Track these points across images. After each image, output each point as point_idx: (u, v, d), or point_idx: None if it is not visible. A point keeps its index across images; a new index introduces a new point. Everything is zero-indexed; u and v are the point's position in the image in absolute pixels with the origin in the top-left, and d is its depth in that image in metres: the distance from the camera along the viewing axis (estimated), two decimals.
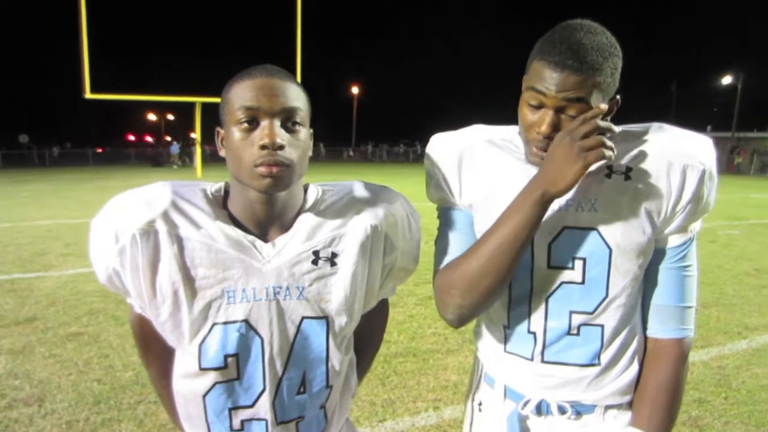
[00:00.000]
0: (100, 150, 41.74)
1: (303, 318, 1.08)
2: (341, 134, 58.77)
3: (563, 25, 1.08)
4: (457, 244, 1.23)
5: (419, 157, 45.67)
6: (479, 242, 1.13)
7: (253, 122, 0.99)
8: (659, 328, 1.18)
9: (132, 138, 69.11)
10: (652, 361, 1.19)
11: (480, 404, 1.33)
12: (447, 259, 1.23)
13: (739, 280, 6.32)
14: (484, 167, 1.20)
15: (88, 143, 44.70)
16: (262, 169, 0.97)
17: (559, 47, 1.03)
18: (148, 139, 65.03)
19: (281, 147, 0.98)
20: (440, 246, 1.27)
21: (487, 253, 1.10)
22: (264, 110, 0.99)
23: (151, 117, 68.97)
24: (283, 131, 1.00)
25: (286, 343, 1.07)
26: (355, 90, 58.96)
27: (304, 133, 1.05)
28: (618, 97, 1.13)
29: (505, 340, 1.24)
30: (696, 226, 1.16)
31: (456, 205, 1.27)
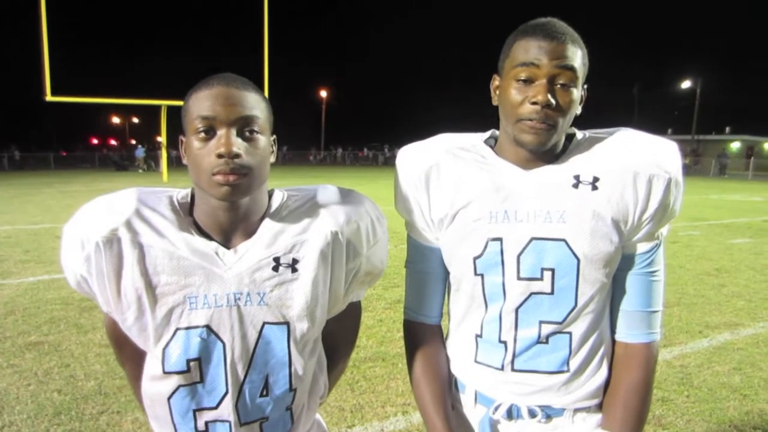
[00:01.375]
0: (62, 154, 40.73)
1: (264, 323, 1.09)
2: (310, 138, 58.57)
3: (535, 19, 1.14)
4: (422, 288, 1.33)
5: (387, 160, 45.90)
6: (417, 390, 1.29)
7: (210, 131, 1.01)
8: (629, 332, 1.20)
9: (95, 141, 67.59)
10: (623, 365, 1.21)
11: (452, 408, 1.33)
12: (413, 302, 1.34)
13: (700, 279, 6.49)
14: (451, 184, 1.21)
15: (49, 147, 43.64)
16: (219, 178, 1.00)
17: (541, 26, 1.11)
18: (113, 142, 63.70)
19: (237, 155, 1.00)
20: (408, 285, 1.36)
21: (418, 405, 1.29)
22: (220, 119, 1.00)
23: (116, 120, 67.62)
24: (239, 140, 1.01)
25: (248, 348, 1.09)
26: (323, 93, 58.78)
27: (263, 140, 1.06)
28: (585, 86, 1.17)
29: (476, 350, 1.25)
30: (663, 231, 1.18)
31: (422, 233, 1.29)
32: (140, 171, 31.91)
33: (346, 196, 1.18)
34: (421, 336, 1.33)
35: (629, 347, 1.20)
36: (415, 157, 1.27)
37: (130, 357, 1.19)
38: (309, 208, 1.14)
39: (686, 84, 44.08)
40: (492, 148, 1.25)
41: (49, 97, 18.17)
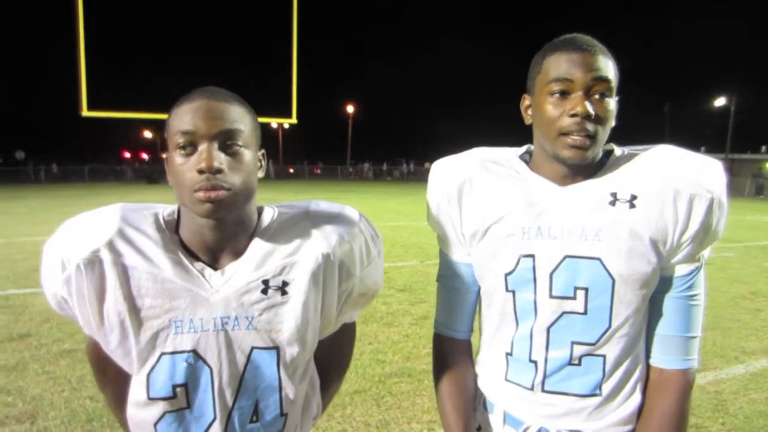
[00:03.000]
0: (96, 166, 41.76)
1: (253, 348, 1.05)
2: (337, 154, 59.05)
3: (561, 36, 1.14)
4: (452, 303, 1.33)
5: (405, 176, 45.97)
6: (441, 406, 1.30)
7: (191, 146, 0.98)
8: (664, 358, 1.17)
9: (128, 155, 69.13)
10: (657, 392, 1.17)
11: (479, 429, 1.32)
12: (443, 316, 1.35)
13: (735, 303, 6.32)
14: (484, 198, 1.20)
15: (84, 160, 44.78)
16: (201, 194, 0.96)
17: (571, 41, 1.10)
18: (144, 156, 65.10)
19: (219, 171, 0.96)
20: (439, 299, 1.37)
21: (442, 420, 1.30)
22: (201, 134, 0.97)
23: (147, 134, 69.10)
24: (221, 154, 0.98)
25: (236, 373, 1.05)
26: (350, 109, 59.23)
27: (248, 155, 1.02)
28: (618, 98, 1.16)
29: (507, 368, 1.23)
30: (705, 253, 1.14)
31: (453, 247, 1.29)
32: (170, 184, 32.38)
33: (339, 214, 1.14)
34: (449, 351, 1.33)
35: (664, 373, 1.16)
36: (448, 171, 1.26)
37: (113, 379, 1.14)
38: (300, 227, 1.10)
39: (720, 101, 43.20)
40: (527, 163, 1.24)
41: (85, 113, 18.71)
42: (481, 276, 1.25)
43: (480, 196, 1.21)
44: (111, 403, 1.21)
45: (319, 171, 49.36)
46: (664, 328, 1.16)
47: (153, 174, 36.35)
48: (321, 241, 1.08)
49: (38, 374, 3.84)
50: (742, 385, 3.97)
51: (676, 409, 1.14)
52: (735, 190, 35.95)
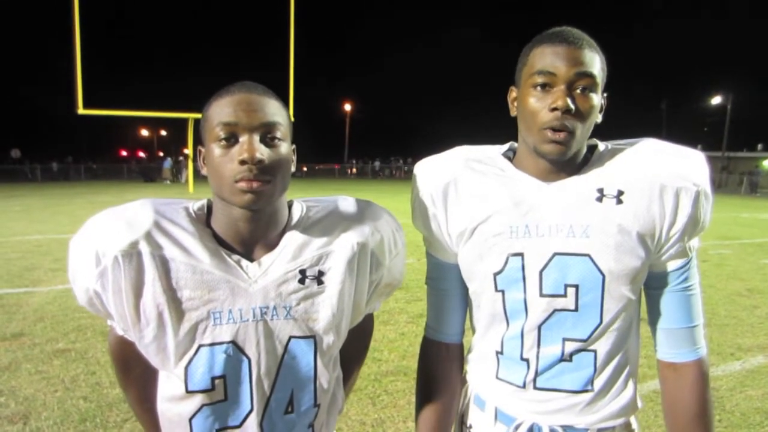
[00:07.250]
0: (92, 165, 41.72)
1: (290, 337, 1.06)
2: (332, 152, 59.09)
3: (551, 29, 1.13)
4: (441, 306, 1.31)
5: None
6: (417, 413, 1.32)
7: (232, 138, 0.99)
8: (674, 352, 1.16)
9: (124, 153, 69.08)
10: (678, 388, 1.16)
11: (470, 427, 1.31)
12: (432, 319, 1.33)
13: (732, 300, 6.32)
14: (469, 198, 1.19)
15: (80, 158, 44.74)
16: (243, 185, 0.97)
17: (558, 34, 1.09)
18: (141, 154, 65.05)
19: (261, 162, 0.97)
20: (428, 302, 1.35)
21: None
22: (242, 125, 0.98)
23: (144, 133, 69.06)
24: (262, 146, 0.99)
25: (274, 363, 1.06)
26: (347, 107, 59.29)
27: (285, 147, 1.04)
28: (606, 94, 1.15)
29: (498, 366, 1.22)
30: (693, 243, 1.14)
31: (440, 249, 1.27)
32: (167, 182, 32.42)
33: (367, 208, 1.18)
34: (435, 358, 1.32)
35: (679, 368, 1.16)
36: (432, 172, 1.24)
37: (138, 378, 1.16)
38: (332, 219, 1.12)
39: (717, 100, 43.33)
40: (510, 160, 1.23)
41: (81, 111, 18.65)
42: (468, 277, 1.23)
43: (466, 196, 1.19)
44: (133, 404, 1.22)
45: (306, 169, 49.00)
46: (667, 323, 1.17)
47: (150, 173, 36.29)
48: (355, 231, 1.11)
49: (31, 374, 3.82)
50: (739, 382, 3.97)
51: (700, 400, 1.14)
52: (731, 187, 36.06)
